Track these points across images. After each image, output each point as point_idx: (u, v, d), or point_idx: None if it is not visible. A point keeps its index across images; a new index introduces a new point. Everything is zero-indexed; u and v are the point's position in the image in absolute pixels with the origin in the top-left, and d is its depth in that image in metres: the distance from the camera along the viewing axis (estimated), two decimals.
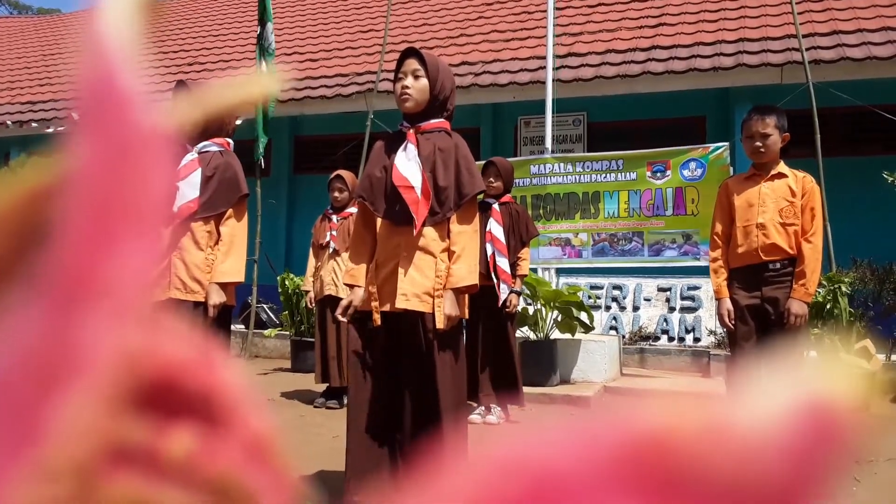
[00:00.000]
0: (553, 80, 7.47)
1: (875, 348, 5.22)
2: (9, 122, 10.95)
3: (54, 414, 0.16)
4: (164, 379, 0.17)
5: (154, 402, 0.17)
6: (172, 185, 0.17)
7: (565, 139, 9.50)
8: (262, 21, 7.59)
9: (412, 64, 2.73)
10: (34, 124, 10.77)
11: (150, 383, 0.17)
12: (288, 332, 7.22)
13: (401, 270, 2.64)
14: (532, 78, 8.69)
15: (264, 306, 8.29)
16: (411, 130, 2.75)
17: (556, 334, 5.75)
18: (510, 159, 5.86)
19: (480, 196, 4.74)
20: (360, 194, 2.77)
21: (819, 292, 5.46)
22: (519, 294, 4.73)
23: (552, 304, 5.60)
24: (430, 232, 2.67)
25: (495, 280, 4.56)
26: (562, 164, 7.43)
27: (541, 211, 7.39)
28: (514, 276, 4.65)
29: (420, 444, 2.57)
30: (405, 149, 2.72)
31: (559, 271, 7.63)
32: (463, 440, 2.62)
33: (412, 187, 2.64)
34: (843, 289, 5.62)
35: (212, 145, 3.12)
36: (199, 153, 3.09)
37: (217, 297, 2.97)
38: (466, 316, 2.79)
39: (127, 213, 0.16)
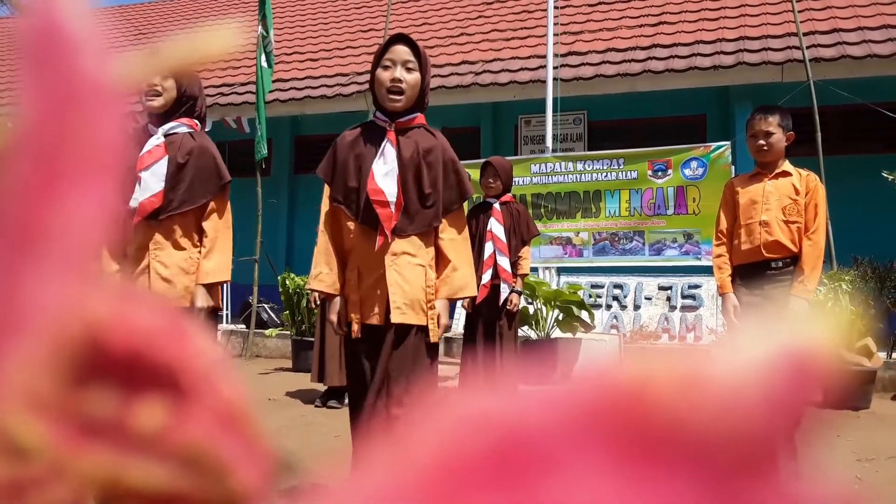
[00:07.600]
0: (553, 79, 7.46)
1: (876, 346, 5.22)
2: (10, 124, 10.95)
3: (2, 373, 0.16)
4: (132, 349, 0.17)
5: (122, 373, 0.17)
6: (125, 139, 0.17)
7: (566, 138, 9.50)
8: (263, 21, 7.59)
9: (403, 53, 2.42)
10: None
11: (117, 354, 0.17)
12: (289, 332, 7.22)
13: (390, 281, 2.42)
14: (532, 77, 8.68)
15: (265, 306, 8.29)
16: (392, 129, 2.47)
17: (556, 333, 5.74)
18: (510, 158, 5.86)
19: (479, 196, 4.77)
20: (337, 198, 2.49)
21: (820, 290, 5.45)
22: (520, 293, 4.73)
23: (553, 303, 5.59)
24: (416, 241, 2.46)
25: (487, 280, 4.55)
26: (562, 163, 7.43)
27: (542, 210, 7.38)
28: (515, 275, 4.65)
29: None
30: (383, 153, 2.45)
31: (560, 270, 7.62)
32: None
33: (387, 203, 2.41)
34: (844, 287, 5.60)
35: (180, 126, 2.68)
36: (166, 136, 2.64)
37: (203, 301, 2.64)
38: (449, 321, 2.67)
39: (74, 163, 0.16)
